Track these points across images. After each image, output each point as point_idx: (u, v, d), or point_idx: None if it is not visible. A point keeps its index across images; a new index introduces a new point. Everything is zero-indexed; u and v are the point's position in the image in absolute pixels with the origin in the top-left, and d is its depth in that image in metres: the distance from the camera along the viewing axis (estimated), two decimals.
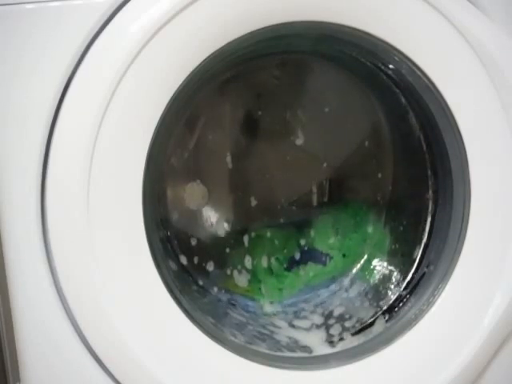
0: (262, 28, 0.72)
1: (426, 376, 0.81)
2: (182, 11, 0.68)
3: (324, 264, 1.02)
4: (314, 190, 1.04)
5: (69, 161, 0.68)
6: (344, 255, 1.02)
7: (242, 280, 0.98)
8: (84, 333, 0.72)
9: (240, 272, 0.98)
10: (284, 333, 0.90)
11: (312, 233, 1.03)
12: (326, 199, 1.04)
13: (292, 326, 0.93)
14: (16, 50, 0.67)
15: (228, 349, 0.78)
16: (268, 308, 0.97)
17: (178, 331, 0.75)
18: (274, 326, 0.92)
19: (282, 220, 1.03)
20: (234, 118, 0.98)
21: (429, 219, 0.92)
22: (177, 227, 0.97)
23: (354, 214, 1.03)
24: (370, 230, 1.02)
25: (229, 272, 0.98)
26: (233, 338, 0.84)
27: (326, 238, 1.03)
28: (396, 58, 0.78)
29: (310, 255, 1.03)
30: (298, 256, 1.02)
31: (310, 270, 1.02)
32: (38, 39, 0.67)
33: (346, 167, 1.02)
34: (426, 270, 0.89)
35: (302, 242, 1.03)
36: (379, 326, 0.89)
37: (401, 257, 0.97)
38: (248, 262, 0.99)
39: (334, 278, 1.01)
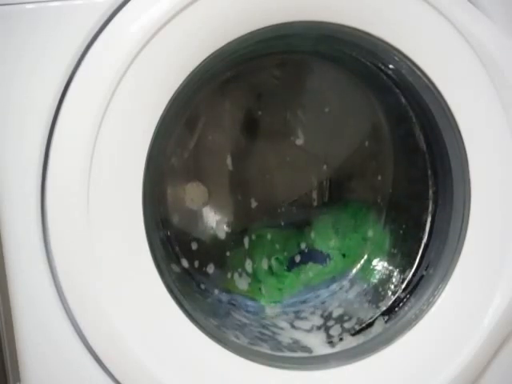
0: (262, 28, 0.72)
1: (426, 376, 0.81)
2: (182, 11, 0.68)
3: (324, 264, 1.02)
4: (314, 190, 1.04)
5: (69, 161, 0.68)
6: (344, 255, 1.02)
7: (242, 282, 0.98)
8: (84, 333, 0.72)
9: (240, 275, 0.98)
10: (286, 334, 0.90)
11: (312, 233, 1.03)
12: (326, 199, 1.04)
13: (293, 326, 0.93)
14: (16, 49, 0.67)
15: (228, 349, 0.78)
16: (269, 308, 0.97)
17: (178, 331, 0.75)
18: (276, 326, 0.92)
19: (282, 220, 1.03)
20: (234, 118, 0.98)
21: (429, 219, 0.92)
22: (177, 228, 0.97)
23: (354, 214, 1.03)
24: (369, 230, 1.02)
25: (229, 274, 0.98)
26: (235, 339, 0.84)
27: (326, 238, 1.03)
28: (396, 58, 0.78)
29: (311, 255, 1.03)
30: (298, 256, 1.02)
31: (310, 270, 1.02)
32: (38, 39, 0.67)
33: (346, 167, 1.03)
34: (424, 272, 0.89)
35: (302, 242, 1.02)
36: (378, 326, 0.89)
37: (401, 257, 0.97)
38: (248, 264, 0.99)
39: (334, 278, 1.01)
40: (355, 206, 1.03)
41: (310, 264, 1.02)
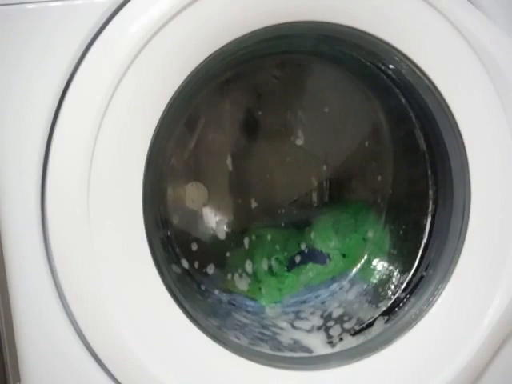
0: (263, 28, 0.72)
1: (426, 376, 0.81)
2: (182, 11, 0.68)
3: (324, 264, 1.02)
4: (314, 190, 1.04)
5: (69, 161, 0.68)
6: (344, 255, 1.02)
7: (242, 283, 0.98)
8: (84, 333, 0.72)
9: (240, 275, 0.98)
10: (286, 334, 0.90)
11: (312, 233, 1.03)
12: (326, 199, 1.04)
13: (293, 327, 0.93)
14: (16, 49, 0.67)
15: (228, 349, 0.78)
16: (269, 309, 0.97)
17: (178, 331, 0.75)
18: (276, 327, 0.92)
19: (282, 221, 1.03)
20: (234, 118, 0.98)
21: (429, 219, 0.92)
22: (177, 228, 0.97)
23: (354, 213, 1.03)
24: (370, 230, 1.02)
25: (229, 275, 0.98)
26: (235, 340, 0.84)
27: (326, 238, 1.03)
28: (396, 58, 0.78)
29: (310, 255, 1.03)
30: (298, 256, 1.02)
31: (310, 270, 1.02)
32: (38, 39, 0.67)
33: (346, 167, 1.03)
34: (424, 272, 0.89)
35: (302, 242, 1.02)
36: (378, 326, 0.89)
37: (401, 257, 0.97)
38: (248, 265, 0.99)
39: (334, 278, 1.01)
40: (355, 205, 1.03)
41: (310, 264, 1.02)
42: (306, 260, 1.02)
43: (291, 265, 1.02)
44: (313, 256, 1.02)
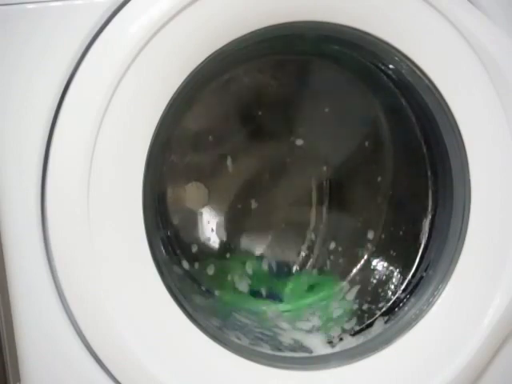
0: (263, 28, 0.72)
1: (426, 376, 0.81)
2: (182, 11, 0.68)
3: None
4: (314, 190, 1.04)
5: (69, 161, 0.68)
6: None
7: (242, 284, 0.98)
8: (84, 333, 0.72)
9: (241, 276, 0.98)
10: (287, 334, 0.91)
11: (287, 287, 1.01)
12: (326, 200, 1.04)
13: (294, 327, 0.93)
14: (16, 49, 0.67)
15: (228, 349, 0.78)
16: (269, 309, 0.97)
17: (178, 331, 0.75)
18: (277, 327, 0.92)
19: (282, 221, 1.03)
20: (234, 118, 0.98)
21: (429, 219, 0.92)
22: (177, 228, 0.97)
23: (327, 286, 1.01)
24: (370, 230, 1.02)
25: (229, 276, 0.98)
26: (236, 340, 0.84)
27: (298, 295, 1.01)
28: (396, 58, 0.78)
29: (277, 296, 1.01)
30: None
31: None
32: (38, 39, 0.67)
33: (346, 167, 1.02)
34: (424, 273, 0.89)
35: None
36: (378, 326, 0.89)
37: (401, 257, 0.97)
38: (248, 266, 0.99)
39: (335, 279, 1.01)
40: (329, 281, 1.02)
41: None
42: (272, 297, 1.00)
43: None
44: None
